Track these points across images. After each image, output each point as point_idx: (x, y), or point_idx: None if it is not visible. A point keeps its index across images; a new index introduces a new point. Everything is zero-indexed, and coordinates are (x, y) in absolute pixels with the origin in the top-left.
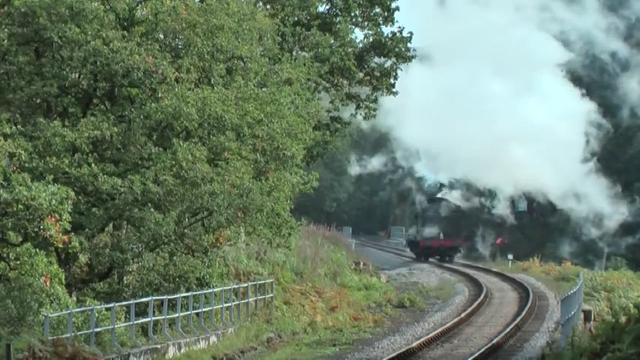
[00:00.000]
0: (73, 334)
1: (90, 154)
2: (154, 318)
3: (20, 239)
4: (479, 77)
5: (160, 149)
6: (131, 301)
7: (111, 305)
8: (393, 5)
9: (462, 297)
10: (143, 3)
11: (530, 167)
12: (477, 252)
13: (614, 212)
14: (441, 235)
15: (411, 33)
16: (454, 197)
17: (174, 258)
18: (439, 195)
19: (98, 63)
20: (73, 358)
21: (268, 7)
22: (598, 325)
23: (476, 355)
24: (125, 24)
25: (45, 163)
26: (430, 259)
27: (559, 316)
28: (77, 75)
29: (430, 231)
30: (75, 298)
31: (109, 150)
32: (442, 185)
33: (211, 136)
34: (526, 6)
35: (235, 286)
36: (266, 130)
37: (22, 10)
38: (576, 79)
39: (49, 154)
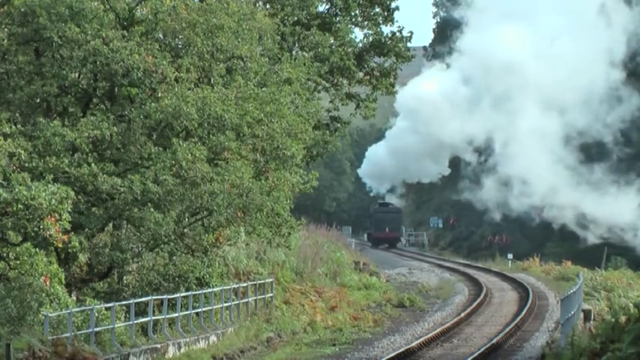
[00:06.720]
0: (72, 333)
1: (90, 154)
2: (153, 317)
3: (20, 239)
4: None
5: (160, 149)
6: (131, 301)
7: (111, 305)
8: (393, 5)
9: (461, 296)
10: (143, 3)
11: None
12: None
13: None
14: (387, 229)
15: (411, 32)
16: (396, 200)
17: (174, 258)
18: (386, 200)
19: (98, 62)
20: (73, 358)
21: (268, 6)
22: (598, 325)
23: (475, 354)
24: (125, 24)
25: (45, 162)
26: (380, 246)
27: (559, 315)
28: (77, 74)
29: (379, 226)
30: (75, 298)
31: (108, 150)
32: (388, 191)
33: (211, 136)
34: None
35: (235, 286)
36: (266, 129)
37: (22, 9)
38: None
39: (48, 154)
